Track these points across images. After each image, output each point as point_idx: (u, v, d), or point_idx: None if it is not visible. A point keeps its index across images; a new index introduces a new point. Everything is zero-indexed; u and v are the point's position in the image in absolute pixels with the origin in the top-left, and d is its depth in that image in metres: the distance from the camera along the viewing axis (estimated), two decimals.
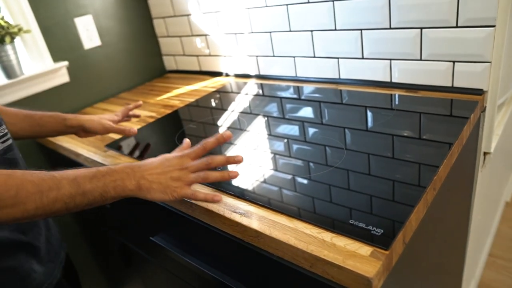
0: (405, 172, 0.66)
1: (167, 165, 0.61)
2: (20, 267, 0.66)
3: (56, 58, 1.31)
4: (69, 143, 1.07)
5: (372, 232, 0.52)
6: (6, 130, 0.68)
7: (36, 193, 0.51)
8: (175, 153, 0.65)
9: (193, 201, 0.67)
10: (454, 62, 0.90)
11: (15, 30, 1.16)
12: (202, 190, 0.65)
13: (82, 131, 0.91)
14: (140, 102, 1.00)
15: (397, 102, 0.94)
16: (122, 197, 0.59)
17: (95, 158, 0.94)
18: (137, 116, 1.02)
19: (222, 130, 0.98)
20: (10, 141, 0.68)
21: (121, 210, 0.99)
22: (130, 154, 0.93)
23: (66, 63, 1.32)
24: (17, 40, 1.21)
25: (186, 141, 0.70)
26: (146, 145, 0.97)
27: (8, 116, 0.84)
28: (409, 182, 0.63)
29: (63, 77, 1.33)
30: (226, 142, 0.73)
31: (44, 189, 0.52)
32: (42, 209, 0.52)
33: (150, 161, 0.62)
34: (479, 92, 0.88)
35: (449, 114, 0.85)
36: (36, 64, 1.28)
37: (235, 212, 0.62)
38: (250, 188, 0.69)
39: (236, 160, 0.65)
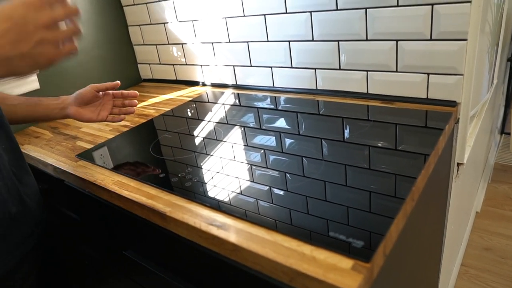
0: (383, 183, 0.65)
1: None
2: None
3: None
4: (38, 152, 1.02)
5: (352, 244, 0.51)
6: None
7: None
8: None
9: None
10: (428, 74, 0.92)
11: None
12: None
13: (75, 103, 0.90)
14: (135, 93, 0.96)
15: (373, 113, 0.95)
16: None
17: (65, 168, 0.90)
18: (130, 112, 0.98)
19: (197, 141, 0.96)
20: None
21: (92, 222, 0.95)
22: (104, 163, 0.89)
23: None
24: None
25: None
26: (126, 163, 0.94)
27: (8, 99, 0.90)
28: (387, 193, 0.63)
29: (33, 84, 1.28)
30: None
31: None
32: None
33: None
34: (453, 103, 0.90)
35: (424, 125, 0.86)
36: None
37: (212, 225, 0.60)
38: (226, 199, 0.67)
39: None
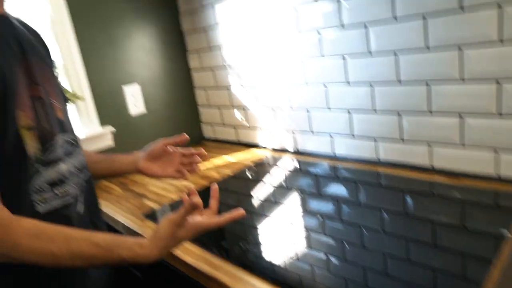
0: (451, 264, 0.63)
1: None
2: None
3: (103, 122, 1.38)
4: (109, 208, 1.10)
5: None
6: (67, 188, 0.72)
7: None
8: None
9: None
10: (498, 150, 0.88)
11: (72, 97, 1.25)
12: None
13: (146, 157, 0.94)
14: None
15: (438, 189, 0.92)
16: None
17: (133, 228, 0.96)
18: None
19: (257, 205, 0.98)
20: (70, 200, 0.72)
21: (154, 282, 0.97)
22: None
23: (111, 128, 1.39)
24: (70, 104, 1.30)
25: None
26: None
27: (91, 156, 0.95)
28: (456, 275, 0.60)
29: (108, 142, 1.39)
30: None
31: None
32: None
33: None
34: None
35: (495, 205, 0.82)
36: (85, 128, 1.36)
37: None
38: (285, 269, 0.67)
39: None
